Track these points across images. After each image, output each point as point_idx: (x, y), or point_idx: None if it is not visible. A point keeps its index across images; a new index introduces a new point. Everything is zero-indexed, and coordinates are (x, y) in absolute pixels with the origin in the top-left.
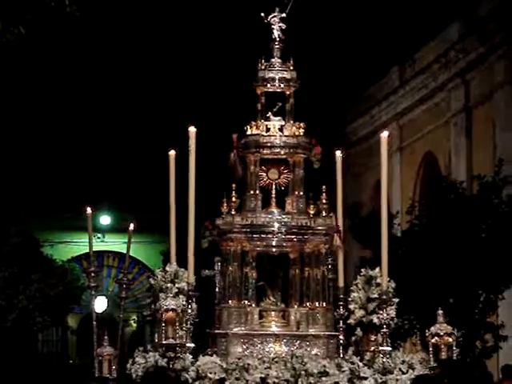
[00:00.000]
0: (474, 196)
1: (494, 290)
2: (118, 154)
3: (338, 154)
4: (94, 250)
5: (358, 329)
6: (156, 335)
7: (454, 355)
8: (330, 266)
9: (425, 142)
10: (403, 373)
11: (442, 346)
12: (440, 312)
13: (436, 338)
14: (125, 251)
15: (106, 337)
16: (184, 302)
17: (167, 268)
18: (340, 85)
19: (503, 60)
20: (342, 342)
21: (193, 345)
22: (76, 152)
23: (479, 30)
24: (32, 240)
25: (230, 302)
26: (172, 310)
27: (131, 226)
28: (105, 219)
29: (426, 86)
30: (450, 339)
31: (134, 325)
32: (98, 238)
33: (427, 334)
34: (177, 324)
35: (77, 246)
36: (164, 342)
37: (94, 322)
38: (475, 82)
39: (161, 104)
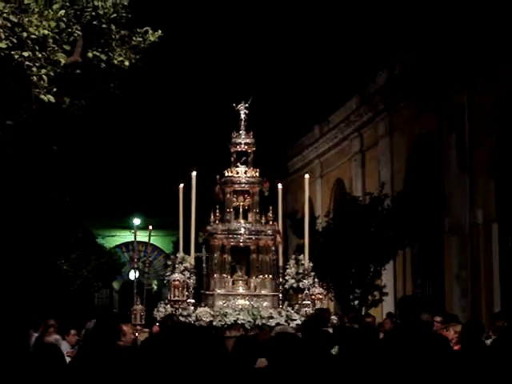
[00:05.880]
0: (366, 206)
1: (379, 264)
2: (146, 177)
3: (280, 186)
4: (127, 241)
5: (291, 291)
6: (168, 295)
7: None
8: (274, 252)
9: (336, 172)
10: None
11: (316, 302)
12: (319, 283)
13: (312, 296)
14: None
15: (139, 298)
16: (187, 276)
17: (177, 255)
18: (281, 136)
19: (384, 121)
20: (281, 298)
21: (193, 301)
22: (117, 174)
23: (369, 102)
24: (90, 234)
25: (215, 275)
26: (177, 280)
27: (150, 227)
28: (136, 220)
29: (336, 137)
30: (321, 297)
31: (155, 287)
32: (132, 233)
33: (306, 294)
34: (180, 288)
35: (119, 237)
36: (173, 299)
37: (135, 290)
38: (367, 135)
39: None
